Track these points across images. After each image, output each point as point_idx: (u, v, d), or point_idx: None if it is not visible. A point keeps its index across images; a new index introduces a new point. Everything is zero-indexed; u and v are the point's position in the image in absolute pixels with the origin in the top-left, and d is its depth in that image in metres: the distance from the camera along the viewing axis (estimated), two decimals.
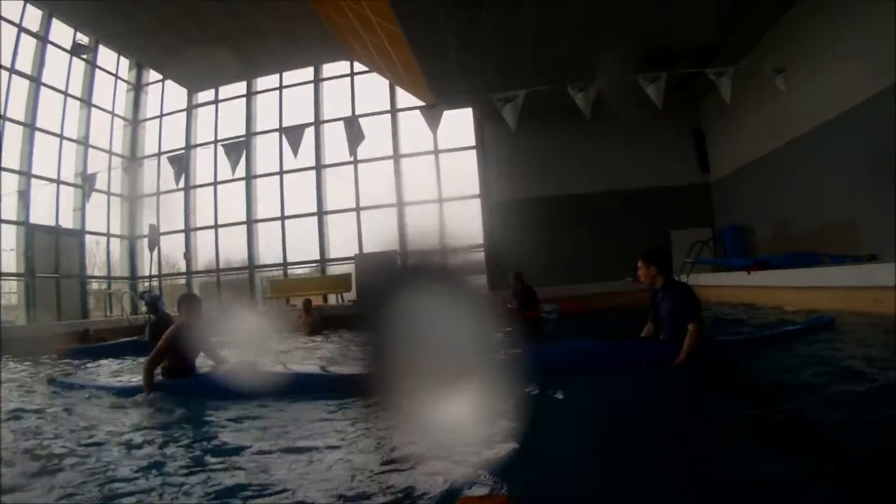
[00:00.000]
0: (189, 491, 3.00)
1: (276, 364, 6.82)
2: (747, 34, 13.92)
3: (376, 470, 3.27)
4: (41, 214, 17.59)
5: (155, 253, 16.73)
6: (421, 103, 17.81)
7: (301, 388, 5.72)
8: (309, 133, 19.18)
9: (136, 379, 6.97)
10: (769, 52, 13.62)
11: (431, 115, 12.30)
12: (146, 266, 21.55)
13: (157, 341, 10.20)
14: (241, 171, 18.55)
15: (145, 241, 20.85)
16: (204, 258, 21.52)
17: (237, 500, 2.84)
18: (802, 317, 8.23)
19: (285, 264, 20.31)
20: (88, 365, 10.28)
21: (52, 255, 18.32)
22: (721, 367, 5.54)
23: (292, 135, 13.37)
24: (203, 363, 6.80)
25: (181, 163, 14.10)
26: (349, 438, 4.07)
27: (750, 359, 5.85)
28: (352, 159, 19.09)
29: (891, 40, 9.37)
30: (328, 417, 4.71)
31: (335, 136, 19.39)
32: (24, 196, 17.72)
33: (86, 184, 15.21)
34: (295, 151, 13.50)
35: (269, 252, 20.96)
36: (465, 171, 19.18)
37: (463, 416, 2.06)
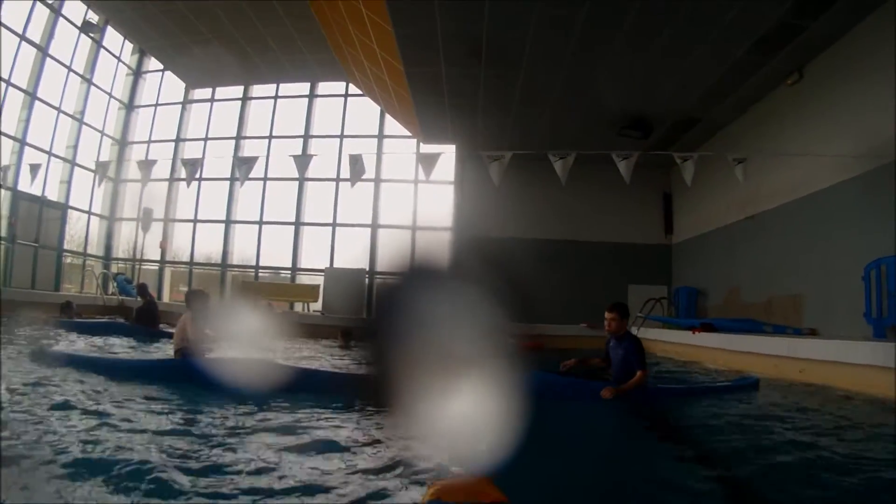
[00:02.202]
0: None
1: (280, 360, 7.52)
2: (722, 114, 15.76)
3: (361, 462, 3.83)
4: (27, 183, 18.31)
5: (142, 236, 17.68)
6: (408, 133, 19.03)
7: (305, 385, 6.34)
8: (296, 144, 20.62)
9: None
10: (738, 135, 15.76)
11: (427, 160, 13.50)
12: (123, 247, 22.57)
13: (142, 324, 11.81)
14: (226, 171, 19.80)
15: (122, 223, 22.15)
16: (176, 248, 22.89)
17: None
18: (732, 375, 9.62)
19: (257, 267, 21.88)
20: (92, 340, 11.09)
21: (34, 224, 19.61)
22: (654, 409, 6.56)
23: (301, 160, 14.75)
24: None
25: (195, 166, 15.24)
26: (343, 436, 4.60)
27: (680, 405, 6.97)
28: (335, 178, 20.42)
29: (847, 140, 11.03)
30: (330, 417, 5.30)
31: (320, 151, 21.14)
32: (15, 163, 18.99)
33: (99, 169, 16.44)
34: (301, 172, 14.84)
35: (242, 253, 22.64)
36: (440, 204, 20.82)
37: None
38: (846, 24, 11.08)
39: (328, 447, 4.25)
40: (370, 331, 2.32)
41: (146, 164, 15.33)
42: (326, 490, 3.24)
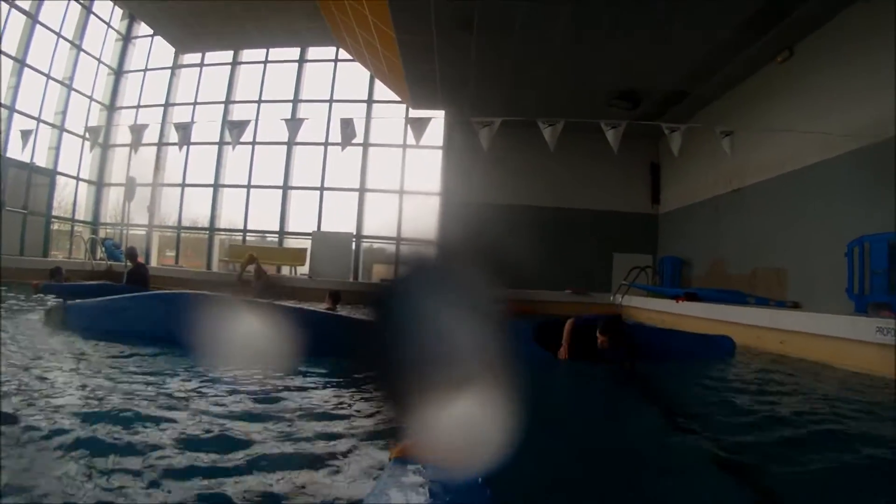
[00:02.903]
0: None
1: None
2: (711, 89, 16.03)
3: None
4: (17, 149, 18.51)
5: (129, 203, 17.73)
6: (397, 98, 19.18)
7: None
8: (285, 109, 20.77)
9: None
10: (726, 110, 15.99)
11: (418, 125, 13.62)
12: (111, 212, 22.69)
13: (133, 285, 12.03)
14: (215, 135, 19.98)
15: (110, 188, 22.28)
16: (163, 212, 23.16)
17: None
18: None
19: (245, 231, 22.20)
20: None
21: (22, 190, 19.71)
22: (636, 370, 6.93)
23: (293, 124, 14.88)
24: None
25: (186, 130, 15.40)
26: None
27: (660, 360, 7.44)
28: (322, 142, 20.64)
29: (834, 119, 11.25)
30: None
31: (310, 115, 21.11)
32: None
33: (91, 134, 16.73)
34: (292, 136, 15.02)
35: (228, 217, 22.99)
36: (429, 168, 21.16)
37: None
38: (838, 5, 11.29)
39: (306, 405, 4.39)
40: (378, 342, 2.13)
41: (137, 129, 15.43)
42: (297, 446, 3.38)
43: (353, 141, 14.60)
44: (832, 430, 4.44)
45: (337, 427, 3.81)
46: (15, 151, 18.63)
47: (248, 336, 5.57)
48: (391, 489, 2.03)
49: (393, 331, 2.04)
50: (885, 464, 3.74)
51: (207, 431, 3.51)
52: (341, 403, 4.53)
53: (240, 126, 14.84)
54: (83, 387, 4.50)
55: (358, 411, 4.27)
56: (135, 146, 16.03)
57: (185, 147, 18.10)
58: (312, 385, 5.15)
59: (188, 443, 3.26)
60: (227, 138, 20.54)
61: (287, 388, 4.94)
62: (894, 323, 7.20)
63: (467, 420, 1.93)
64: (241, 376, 5.20)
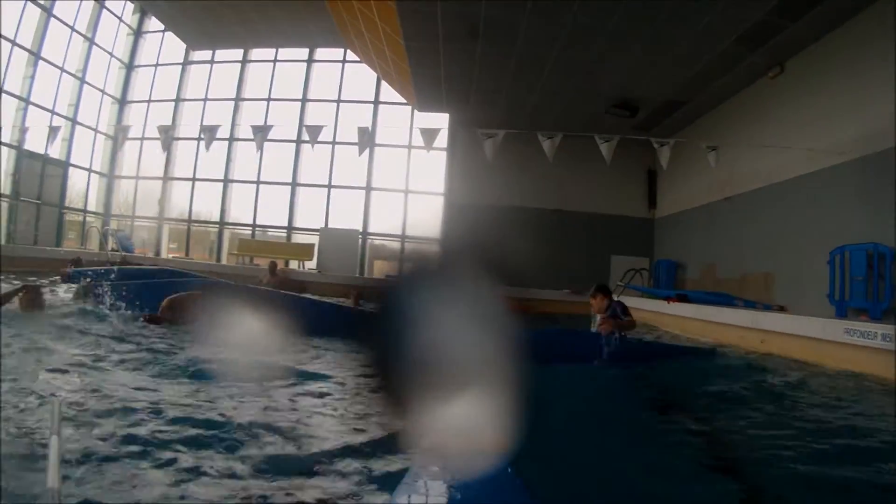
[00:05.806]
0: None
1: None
2: (707, 99, 16.72)
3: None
4: (41, 145, 19.30)
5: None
6: (403, 100, 19.84)
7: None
8: (294, 108, 21.35)
9: None
10: (720, 120, 16.83)
11: (428, 134, 14.34)
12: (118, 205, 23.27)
13: None
14: (225, 132, 20.71)
15: (121, 181, 22.88)
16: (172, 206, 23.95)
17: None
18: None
19: (254, 225, 23.10)
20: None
21: (36, 181, 20.51)
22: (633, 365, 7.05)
23: (312, 130, 15.88)
24: None
25: (212, 132, 16.12)
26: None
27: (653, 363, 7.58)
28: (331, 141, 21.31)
29: (818, 136, 12.02)
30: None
31: (320, 115, 22.07)
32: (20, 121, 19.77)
33: (119, 133, 17.16)
34: (313, 143, 16.00)
35: (240, 212, 23.75)
36: (433, 170, 22.04)
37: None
38: (826, 26, 11.97)
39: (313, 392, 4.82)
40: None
41: (165, 129, 16.09)
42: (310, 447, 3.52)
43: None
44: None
45: (353, 428, 3.96)
46: (34, 143, 19.49)
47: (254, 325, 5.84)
48: (415, 490, 2.08)
49: (394, 326, 1.89)
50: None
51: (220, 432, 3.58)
52: (348, 405, 4.67)
53: (263, 130, 15.52)
54: None
55: (369, 412, 4.28)
56: (164, 146, 16.53)
57: (185, 142, 18.65)
58: (327, 388, 5.22)
59: (195, 444, 3.34)
60: (238, 135, 21.34)
61: (297, 385, 5.19)
62: (862, 326, 7.90)
63: (477, 415, 1.83)
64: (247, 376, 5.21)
